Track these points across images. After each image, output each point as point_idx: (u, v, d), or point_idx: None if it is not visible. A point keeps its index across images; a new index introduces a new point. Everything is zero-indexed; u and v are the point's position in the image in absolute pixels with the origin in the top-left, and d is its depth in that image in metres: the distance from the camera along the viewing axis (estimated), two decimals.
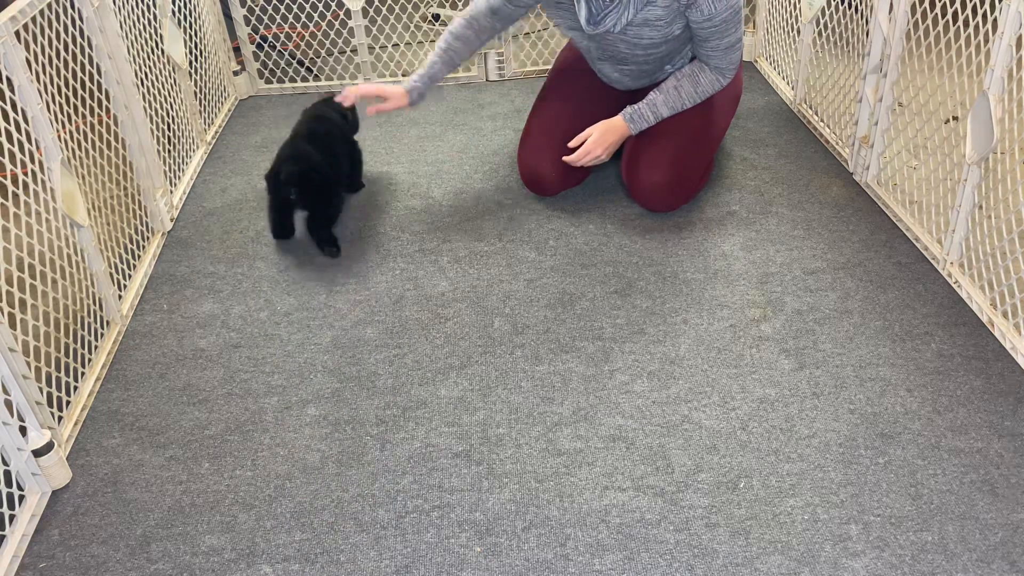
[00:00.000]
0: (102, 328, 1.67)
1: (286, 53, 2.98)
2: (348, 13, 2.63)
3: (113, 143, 1.85)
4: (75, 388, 1.54)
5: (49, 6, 1.56)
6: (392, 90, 1.96)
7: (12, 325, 1.34)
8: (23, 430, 1.33)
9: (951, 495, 1.29)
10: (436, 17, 3.20)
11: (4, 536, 1.27)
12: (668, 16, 1.79)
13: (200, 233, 2.03)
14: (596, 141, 1.92)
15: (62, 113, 1.59)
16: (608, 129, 1.93)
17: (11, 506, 1.31)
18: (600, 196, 2.08)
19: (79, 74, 1.69)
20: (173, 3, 2.20)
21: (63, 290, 1.57)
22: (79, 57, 1.68)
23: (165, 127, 2.10)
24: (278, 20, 2.75)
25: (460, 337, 1.66)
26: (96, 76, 1.75)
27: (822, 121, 2.30)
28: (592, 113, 2.04)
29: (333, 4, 2.82)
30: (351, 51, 2.99)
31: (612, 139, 1.93)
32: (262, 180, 2.23)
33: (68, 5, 1.64)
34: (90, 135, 1.76)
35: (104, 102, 1.79)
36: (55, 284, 1.55)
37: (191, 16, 2.37)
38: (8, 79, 1.40)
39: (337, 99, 1.99)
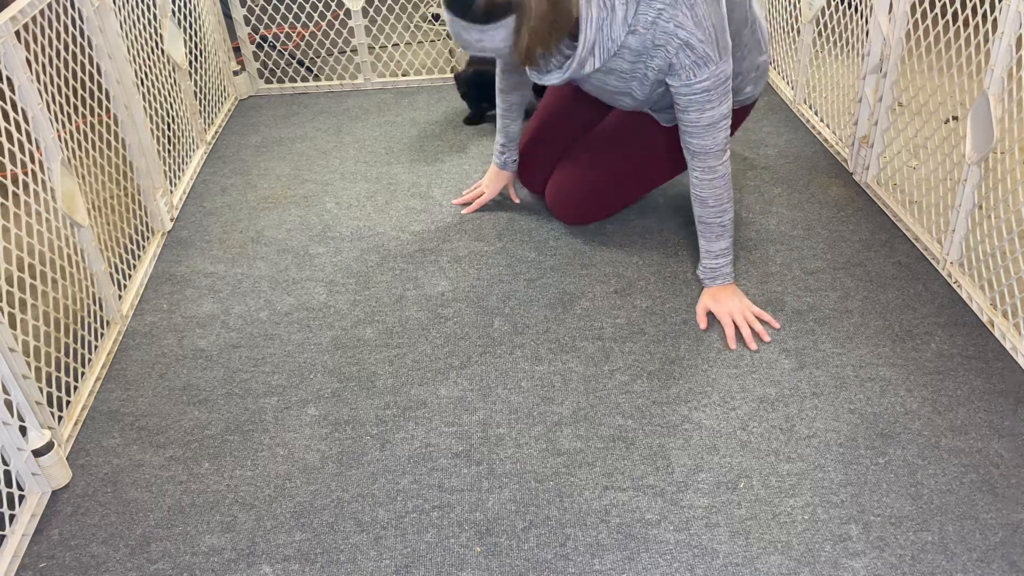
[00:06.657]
0: (102, 328, 1.67)
1: (286, 53, 2.98)
2: (348, 13, 2.63)
3: (113, 143, 1.85)
4: (75, 388, 1.54)
5: (49, 6, 1.56)
6: (487, 183, 2.05)
7: (12, 325, 1.34)
8: (23, 430, 1.33)
9: (951, 495, 1.29)
10: (436, 17, 3.20)
11: (4, 536, 1.27)
12: (629, 73, 1.63)
13: (200, 233, 2.03)
14: (733, 311, 1.65)
15: (62, 113, 1.59)
16: (714, 299, 1.68)
17: (11, 506, 1.31)
18: None
19: (79, 74, 1.69)
20: (173, 3, 2.20)
21: (63, 290, 1.58)
22: (79, 57, 1.68)
23: (165, 127, 2.10)
24: (278, 20, 2.76)
25: (460, 337, 1.66)
26: (96, 76, 1.75)
27: (822, 121, 2.30)
28: (589, 118, 2.02)
29: (333, 4, 2.83)
30: (351, 51, 2.99)
31: (725, 296, 1.67)
32: (262, 180, 2.24)
33: (68, 5, 1.64)
34: (90, 135, 1.76)
35: (104, 102, 1.79)
36: (55, 284, 1.55)
37: (191, 16, 2.37)
38: (8, 79, 1.40)
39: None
